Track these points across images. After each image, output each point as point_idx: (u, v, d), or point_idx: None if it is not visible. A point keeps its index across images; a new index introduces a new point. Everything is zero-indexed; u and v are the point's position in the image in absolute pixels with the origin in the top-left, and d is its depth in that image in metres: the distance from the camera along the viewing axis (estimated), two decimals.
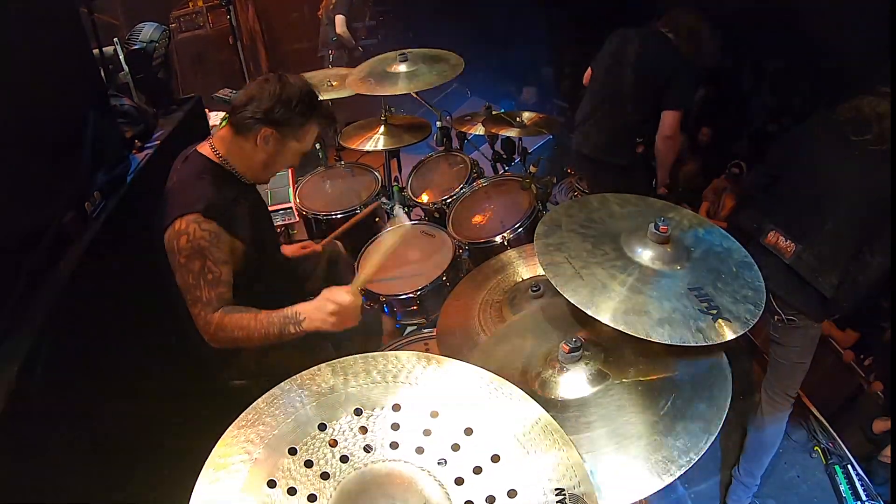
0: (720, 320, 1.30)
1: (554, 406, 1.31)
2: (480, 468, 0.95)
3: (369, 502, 0.92)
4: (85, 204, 1.92)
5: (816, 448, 3.01)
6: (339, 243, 2.71)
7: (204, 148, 1.93)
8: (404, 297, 2.59)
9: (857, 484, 2.80)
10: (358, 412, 1.02)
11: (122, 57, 2.82)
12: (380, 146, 3.25)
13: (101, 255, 1.86)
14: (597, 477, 1.14)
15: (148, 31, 2.94)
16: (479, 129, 3.48)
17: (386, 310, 2.65)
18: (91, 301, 1.79)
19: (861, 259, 2.13)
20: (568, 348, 1.32)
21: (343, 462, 0.95)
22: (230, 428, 0.96)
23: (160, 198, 1.89)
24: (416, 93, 3.53)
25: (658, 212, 1.58)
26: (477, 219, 2.90)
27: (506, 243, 2.62)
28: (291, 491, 0.90)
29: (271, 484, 0.90)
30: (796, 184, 2.30)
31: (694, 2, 3.14)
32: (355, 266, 2.74)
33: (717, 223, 5.15)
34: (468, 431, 0.99)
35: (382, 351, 2.07)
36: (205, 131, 3.12)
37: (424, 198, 3.19)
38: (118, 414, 1.82)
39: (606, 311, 1.30)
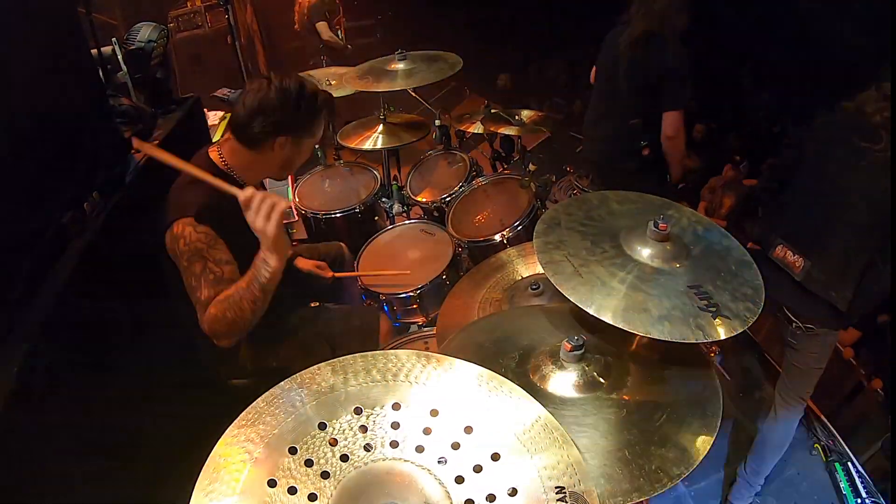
0: (719, 317, 1.30)
1: (551, 400, 1.32)
2: (481, 466, 0.95)
3: (369, 501, 0.92)
4: (84, 204, 1.92)
5: (816, 445, 3.01)
6: (343, 245, 2.71)
7: (213, 152, 1.93)
8: (404, 295, 2.60)
9: (857, 481, 2.80)
10: (358, 411, 1.02)
11: (120, 57, 2.82)
12: (379, 145, 3.25)
13: (100, 255, 1.86)
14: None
15: (146, 30, 2.93)
16: (478, 128, 3.47)
17: (386, 309, 2.65)
18: (90, 301, 1.79)
19: (874, 269, 2.07)
20: (570, 346, 1.32)
21: (343, 461, 0.95)
22: (230, 427, 0.96)
23: (164, 197, 1.89)
24: (415, 92, 3.54)
25: (657, 209, 1.58)
26: (476, 217, 2.90)
27: (505, 242, 2.62)
28: (292, 490, 0.90)
29: (272, 483, 0.90)
30: (803, 193, 2.23)
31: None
32: (356, 265, 2.75)
33: (716, 222, 5.16)
34: (468, 430, 0.99)
35: (381, 350, 2.08)
36: (203, 131, 3.11)
37: (423, 197, 3.19)
38: (118, 414, 1.82)
39: (606, 309, 1.30)
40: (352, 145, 3.28)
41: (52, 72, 1.85)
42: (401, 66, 3.08)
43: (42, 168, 1.75)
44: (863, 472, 2.86)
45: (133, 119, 2.50)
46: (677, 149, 3.09)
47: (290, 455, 0.94)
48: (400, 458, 0.97)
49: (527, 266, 2.17)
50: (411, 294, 2.58)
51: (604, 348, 1.43)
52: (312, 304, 2.51)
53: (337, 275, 2.45)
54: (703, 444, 1.23)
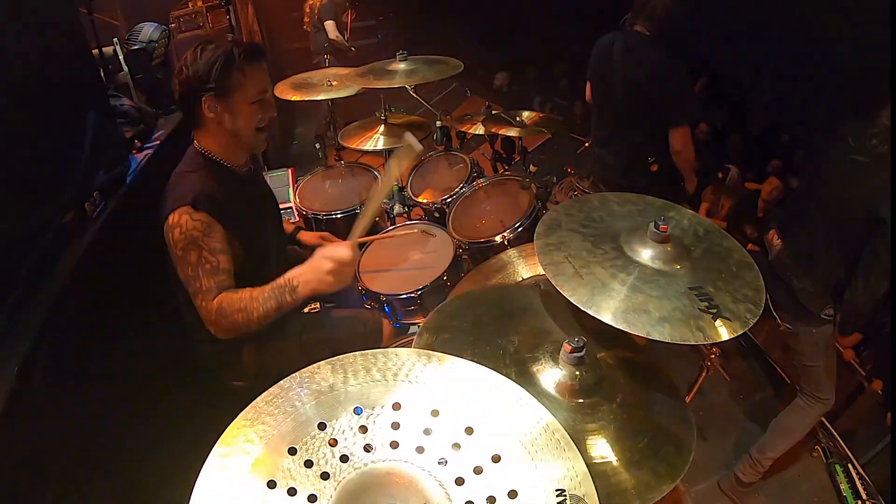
0: (720, 319, 1.30)
1: (545, 397, 1.32)
2: (481, 468, 0.95)
3: (370, 502, 0.92)
4: (85, 204, 1.92)
5: (817, 447, 3.01)
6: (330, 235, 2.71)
7: (194, 144, 1.95)
8: (404, 296, 2.59)
9: (858, 483, 2.80)
10: (358, 411, 1.02)
11: (121, 57, 2.82)
12: (380, 146, 3.25)
13: (101, 255, 1.86)
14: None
15: (147, 31, 2.94)
16: (479, 129, 3.47)
17: (386, 309, 2.65)
18: (91, 301, 1.79)
19: (838, 268, 2.12)
20: (570, 348, 1.32)
21: (343, 462, 0.95)
22: (230, 427, 0.96)
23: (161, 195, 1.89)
24: (416, 93, 3.54)
25: (658, 211, 1.58)
26: (477, 218, 2.89)
27: (506, 243, 2.61)
28: (292, 491, 0.90)
29: (271, 484, 0.90)
30: (800, 182, 2.32)
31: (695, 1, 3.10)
32: (356, 266, 2.74)
33: (717, 223, 5.17)
34: (469, 431, 0.99)
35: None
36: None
37: (424, 198, 3.18)
38: (118, 414, 1.82)
39: (607, 310, 1.30)
40: (353, 146, 3.27)
41: (54, 72, 1.85)
42: (401, 66, 3.09)
43: (43, 168, 1.75)
44: (863, 473, 2.86)
45: (134, 119, 2.50)
46: (687, 161, 3.04)
47: (289, 455, 0.94)
48: (400, 459, 0.96)
49: (527, 267, 2.17)
50: (412, 295, 2.58)
51: (602, 359, 1.44)
52: (313, 307, 2.50)
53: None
54: (668, 480, 1.24)
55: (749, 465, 2.70)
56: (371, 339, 2.21)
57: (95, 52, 2.50)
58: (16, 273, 1.55)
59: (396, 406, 1.03)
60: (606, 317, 1.28)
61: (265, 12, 6.87)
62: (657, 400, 1.42)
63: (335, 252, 1.74)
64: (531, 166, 3.01)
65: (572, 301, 1.33)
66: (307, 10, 5.83)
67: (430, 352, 1.13)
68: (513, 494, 0.91)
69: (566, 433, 1.01)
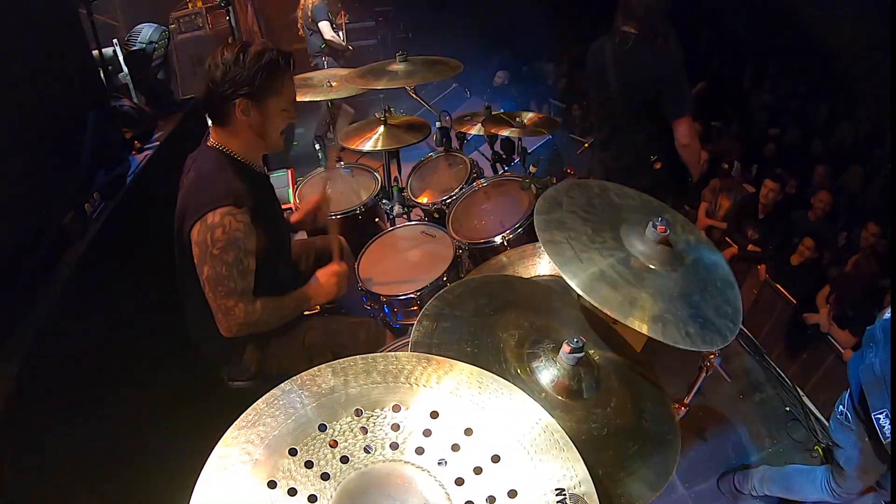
0: (706, 329, 1.31)
1: (541, 396, 1.32)
2: (481, 468, 0.95)
3: (370, 503, 0.92)
4: (85, 205, 1.92)
5: (817, 447, 3.00)
6: (341, 238, 2.71)
7: (209, 143, 1.92)
8: (404, 297, 2.59)
9: None
10: (358, 413, 1.02)
11: (121, 58, 2.82)
12: (379, 147, 3.25)
13: (100, 255, 1.86)
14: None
15: (147, 32, 2.94)
16: (479, 130, 3.47)
17: (386, 310, 2.65)
18: (91, 301, 1.79)
19: None
20: (570, 348, 1.32)
21: (343, 462, 0.95)
22: (231, 429, 0.96)
23: (171, 197, 1.89)
24: (416, 93, 3.54)
25: (654, 211, 1.58)
26: (477, 219, 2.89)
27: (505, 243, 2.62)
28: (292, 492, 0.90)
29: (272, 485, 0.90)
30: None
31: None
32: (356, 267, 2.74)
33: (715, 223, 5.15)
34: (468, 432, 0.99)
35: (384, 351, 2.08)
36: (204, 133, 3.12)
37: (424, 198, 3.19)
38: (118, 415, 1.82)
39: (605, 300, 1.30)
40: (352, 147, 3.28)
41: (54, 73, 1.85)
42: (401, 67, 3.09)
43: (43, 169, 1.75)
44: None
45: (134, 120, 2.50)
46: (694, 154, 3.02)
47: (290, 456, 0.94)
48: (400, 460, 0.97)
49: (527, 268, 2.17)
50: (412, 295, 2.58)
51: (600, 363, 1.44)
52: (315, 310, 2.51)
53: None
54: (652, 489, 1.24)
55: (748, 487, 2.68)
56: (373, 346, 2.22)
57: (95, 53, 2.50)
58: (17, 273, 1.56)
59: (396, 408, 1.03)
60: (605, 306, 1.28)
61: (265, 13, 6.88)
62: (647, 408, 1.42)
63: (331, 269, 2.10)
64: (531, 167, 3.01)
65: (571, 284, 1.32)
66: (300, 13, 5.82)
67: (430, 355, 1.13)
68: (512, 494, 0.92)
69: (564, 433, 1.01)
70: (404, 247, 2.92)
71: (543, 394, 1.32)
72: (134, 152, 2.44)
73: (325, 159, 3.46)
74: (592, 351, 1.47)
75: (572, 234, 1.43)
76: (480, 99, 6.52)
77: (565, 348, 1.32)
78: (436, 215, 3.08)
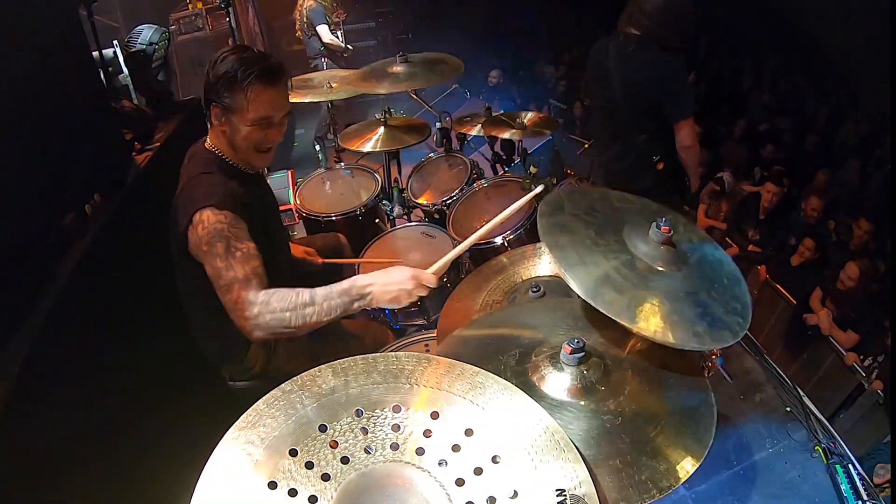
0: (715, 328, 1.30)
1: (549, 402, 1.31)
2: (481, 469, 0.95)
3: (370, 503, 0.92)
4: (85, 206, 1.92)
5: (817, 448, 3.00)
6: (341, 235, 2.71)
7: (205, 143, 1.92)
8: None
9: (859, 483, 2.79)
10: (359, 413, 1.02)
11: (121, 59, 2.83)
12: (379, 148, 3.25)
13: (101, 256, 1.86)
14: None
15: (147, 33, 2.94)
16: (479, 131, 3.47)
17: (387, 311, 2.65)
18: (91, 302, 1.79)
19: None
20: (570, 349, 1.31)
21: (344, 463, 0.95)
22: (231, 429, 0.96)
23: (172, 198, 1.87)
24: (416, 94, 3.55)
25: (655, 213, 1.58)
26: (477, 220, 2.89)
27: (506, 244, 2.61)
28: (293, 492, 0.90)
29: (272, 485, 0.90)
30: None
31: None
32: (357, 268, 2.74)
33: (716, 223, 5.15)
34: (469, 432, 0.99)
35: (383, 352, 2.08)
36: (204, 134, 3.12)
37: (424, 199, 3.19)
38: (119, 415, 1.82)
39: (610, 304, 1.29)
40: (352, 147, 3.28)
41: (54, 74, 1.85)
42: (402, 68, 3.09)
43: (43, 170, 1.76)
44: (864, 474, 2.85)
45: (134, 121, 2.51)
46: (695, 157, 3.04)
47: (290, 457, 0.94)
48: (400, 461, 0.97)
49: (527, 268, 2.16)
50: None
51: (604, 352, 1.43)
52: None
53: (327, 261, 2.44)
54: (692, 462, 1.23)
55: None
56: (379, 349, 2.21)
57: (95, 54, 2.50)
58: (17, 274, 1.56)
59: (396, 408, 1.03)
60: (611, 312, 1.28)
61: (265, 14, 6.88)
62: (673, 384, 1.39)
63: (423, 274, 1.64)
64: (531, 167, 3.01)
65: (576, 289, 1.32)
66: (297, 16, 5.82)
67: (430, 355, 1.13)
68: (514, 495, 0.92)
69: (564, 433, 1.01)
70: (404, 248, 2.92)
71: (553, 401, 1.32)
72: (134, 153, 2.44)
73: (325, 160, 3.46)
74: (593, 341, 1.46)
75: (576, 238, 1.43)
76: (479, 99, 6.53)
77: (565, 349, 1.32)
78: (436, 216, 3.08)
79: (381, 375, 1.07)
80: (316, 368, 1.08)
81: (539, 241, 1.86)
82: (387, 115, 3.30)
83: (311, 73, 3.60)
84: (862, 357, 3.86)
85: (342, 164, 3.47)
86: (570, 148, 6.18)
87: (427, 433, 1.00)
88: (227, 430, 0.96)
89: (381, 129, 3.27)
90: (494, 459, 0.96)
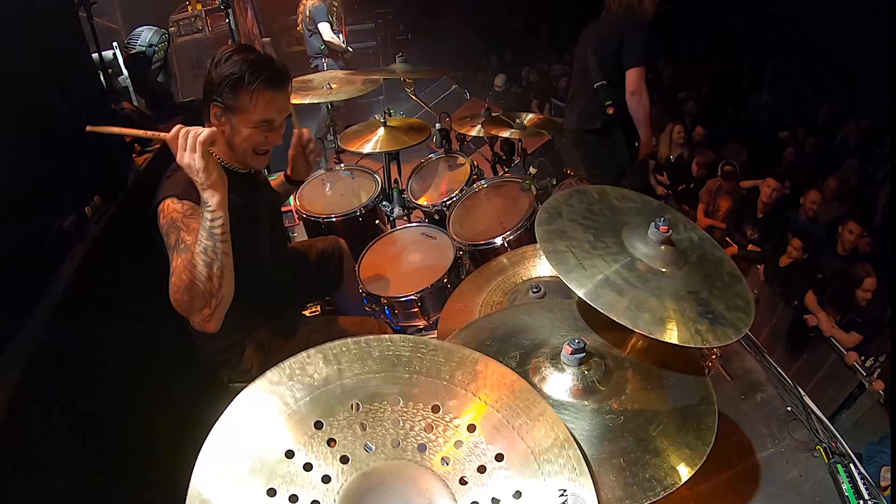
0: (717, 325, 1.30)
1: (551, 403, 1.31)
2: (484, 467, 0.95)
3: (374, 502, 0.91)
4: (85, 208, 1.92)
5: (818, 447, 3.00)
6: (339, 239, 2.70)
7: None
8: (405, 299, 2.59)
9: (860, 483, 2.79)
10: (395, 402, 0.99)
11: (121, 61, 2.83)
12: (379, 149, 3.25)
13: (101, 258, 1.86)
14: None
15: (147, 35, 2.94)
16: (479, 131, 3.48)
17: (387, 312, 2.65)
18: (91, 304, 1.79)
19: None
20: (571, 349, 1.31)
21: (343, 463, 0.94)
22: (213, 430, 0.95)
23: None
24: (416, 95, 3.54)
25: (655, 211, 1.58)
26: (477, 220, 2.89)
27: (506, 245, 2.61)
28: (293, 498, 0.89)
29: (271, 493, 0.89)
30: None
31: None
32: (357, 268, 2.74)
33: (715, 223, 5.14)
34: (471, 428, 0.98)
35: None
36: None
37: (424, 200, 3.19)
38: (119, 416, 1.82)
39: (611, 306, 1.29)
40: (353, 149, 3.28)
41: (54, 76, 1.85)
42: (401, 68, 3.11)
43: (43, 172, 1.75)
44: (865, 474, 2.85)
45: (134, 123, 2.50)
46: (641, 106, 3.42)
47: (287, 459, 0.93)
48: (402, 459, 0.96)
49: (527, 269, 2.17)
50: (412, 297, 2.58)
51: (605, 352, 1.43)
52: (314, 309, 2.51)
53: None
54: (694, 459, 1.23)
55: None
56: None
57: (95, 56, 2.50)
58: (17, 276, 1.56)
59: (436, 408, 1.00)
60: (611, 312, 1.28)
61: (264, 15, 6.89)
62: (673, 383, 1.40)
63: (197, 132, 1.51)
64: (531, 168, 3.01)
65: (577, 292, 1.32)
66: (300, 13, 5.84)
67: (427, 339, 1.11)
68: (517, 495, 0.91)
69: (566, 429, 1.01)
70: (405, 248, 2.92)
71: (555, 402, 1.32)
72: (134, 155, 2.44)
73: (325, 161, 3.46)
74: (593, 341, 1.46)
75: (574, 243, 1.43)
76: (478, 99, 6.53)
77: (566, 350, 1.32)
78: (436, 217, 3.08)
79: (376, 363, 1.03)
80: (304, 353, 1.03)
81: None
82: (387, 116, 3.31)
83: (311, 75, 3.60)
84: (863, 358, 3.85)
85: (342, 165, 3.47)
86: (570, 148, 6.18)
87: (428, 428, 0.98)
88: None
89: (381, 130, 3.27)
90: (497, 457, 0.96)
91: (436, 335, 2.23)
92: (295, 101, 3.30)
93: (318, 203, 3.23)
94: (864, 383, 3.73)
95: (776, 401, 3.23)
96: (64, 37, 1.98)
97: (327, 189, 3.34)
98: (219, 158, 1.88)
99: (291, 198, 3.28)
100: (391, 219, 3.27)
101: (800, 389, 3.17)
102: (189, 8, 5.95)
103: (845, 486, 2.79)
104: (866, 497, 2.72)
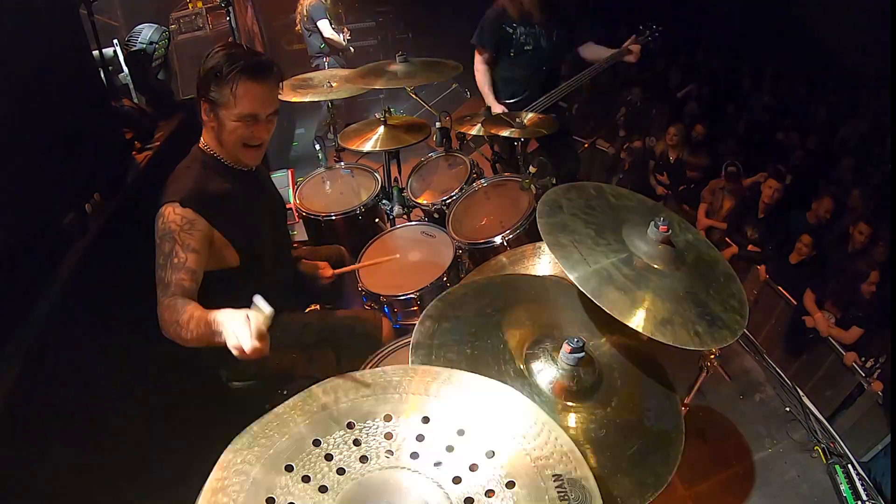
0: (714, 327, 1.30)
1: (540, 397, 1.32)
2: (477, 465, 0.95)
3: None
4: (85, 205, 1.92)
5: (816, 448, 3.00)
6: (342, 248, 2.70)
7: (201, 140, 1.94)
8: (404, 297, 2.59)
9: (858, 483, 2.80)
10: (350, 426, 1.02)
11: (121, 58, 2.83)
12: (379, 147, 3.25)
13: (101, 255, 1.86)
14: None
15: (147, 32, 2.94)
16: (479, 130, 3.47)
17: (386, 310, 2.65)
18: (91, 302, 1.79)
19: None
20: (570, 349, 1.31)
21: (340, 474, 0.95)
22: (226, 451, 0.97)
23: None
24: (416, 94, 3.54)
25: (650, 211, 1.58)
26: (477, 219, 2.90)
27: (505, 244, 2.61)
28: (306, 479, 0.91)
29: (270, 501, 0.90)
30: None
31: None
32: (357, 274, 2.74)
33: (715, 223, 5.15)
34: (460, 432, 1.00)
35: (382, 351, 2.08)
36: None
37: (424, 199, 3.19)
38: (118, 415, 1.82)
39: (613, 303, 1.29)
40: (352, 147, 3.28)
41: (54, 73, 1.85)
42: (401, 68, 3.10)
43: (43, 169, 1.76)
44: (863, 474, 2.85)
45: (134, 121, 2.51)
46: (479, 82, 3.65)
47: (286, 473, 0.94)
48: (395, 467, 0.97)
49: (527, 268, 2.17)
50: (412, 296, 2.58)
51: (603, 356, 1.44)
52: (313, 308, 2.50)
53: (336, 271, 2.44)
54: (652, 489, 1.23)
55: None
56: (371, 339, 2.20)
57: (96, 53, 2.50)
58: (17, 273, 1.56)
59: (388, 417, 1.04)
60: (615, 311, 1.28)
61: (265, 13, 6.87)
62: (653, 405, 1.41)
63: (257, 317, 1.44)
64: (531, 167, 3.01)
65: (582, 288, 1.32)
66: (298, 13, 5.82)
67: (415, 366, 1.14)
68: (510, 485, 0.92)
69: (557, 424, 1.01)
70: (404, 247, 2.92)
71: (542, 397, 1.32)
72: (134, 153, 2.44)
73: (325, 160, 3.46)
74: (599, 340, 1.46)
75: (577, 238, 1.43)
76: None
77: (565, 348, 1.32)
78: (436, 216, 3.08)
79: (370, 388, 1.09)
80: (307, 390, 1.08)
81: (538, 240, 1.86)
82: (387, 115, 3.30)
83: (312, 73, 3.59)
84: (864, 358, 3.86)
85: (342, 163, 3.47)
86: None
87: (419, 437, 1.01)
88: (227, 430, 0.97)
89: (381, 129, 3.27)
90: (489, 454, 0.97)
91: None
92: (295, 99, 3.30)
93: (317, 201, 3.23)
94: (862, 384, 3.73)
95: (775, 401, 3.24)
96: (64, 34, 1.98)
97: (327, 187, 3.35)
98: (216, 155, 1.89)
99: (291, 196, 3.28)
100: (391, 217, 3.27)
101: (798, 390, 3.18)
102: (190, 5, 5.93)
103: (843, 487, 2.80)
104: (864, 497, 2.72)
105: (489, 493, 0.92)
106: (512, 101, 3.65)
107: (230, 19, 4.11)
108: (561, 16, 3.61)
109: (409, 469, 0.97)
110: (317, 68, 5.58)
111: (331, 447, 0.99)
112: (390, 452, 0.99)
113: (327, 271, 2.40)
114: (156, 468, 1.89)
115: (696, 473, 2.83)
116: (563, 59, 3.91)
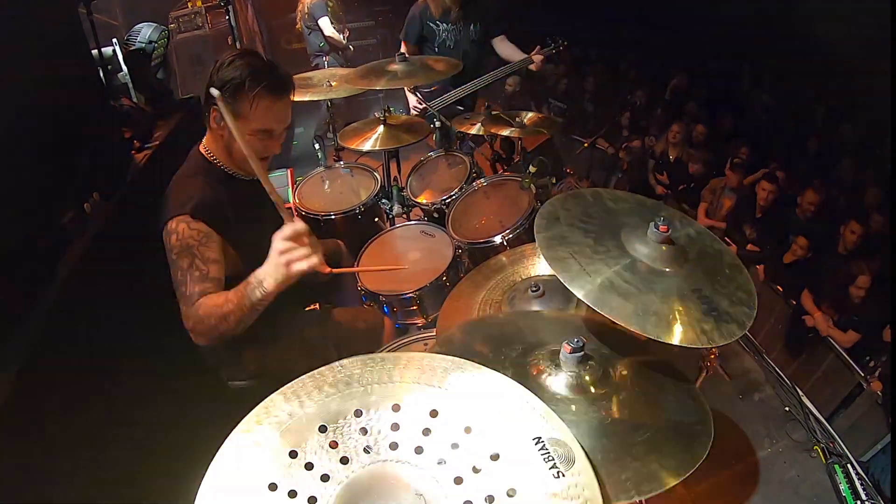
0: (722, 322, 1.30)
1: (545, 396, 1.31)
2: (479, 468, 0.95)
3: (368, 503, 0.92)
4: (84, 204, 1.92)
5: (816, 448, 3.01)
6: (340, 242, 2.70)
7: (201, 145, 1.92)
8: (404, 297, 2.59)
9: (857, 483, 2.80)
10: (358, 413, 1.01)
11: (120, 57, 2.82)
12: (379, 147, 3.25)
13: (100, 255, 1.86)
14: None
15: (147, 31, 2.94)
16: (479, 129, 3.47)
17: (386, 310, 2.65)
18: (91, 301, 1.79)
19: None
20: (570, 348, 1.31)
21: (343, 463, 0.95)
22: (230, 436, 0.96)
23: (161, 196, 1.88)
24: (416, 93, 3.54)
25: (650, 210, 1.58)
26: (476, 219, 2.89)
27: (505, 243, 2.61)
28: (292, 494, 0.90)
29: (272, 487, 0.90)
30: None
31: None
32: (356, 266, 2.74)
33: (715, 223, 5.16)
34: (467, 430, 0.99)
35: (382, 351, 2.08)
36: (203, 133, 3.12)
37: (423, 198, 3.19)
38: (118, 415, 1.82)
39: (617, 311, 1.28)
40: (352, 146, 3.27)
41: (53, 72, 1.85)
42: (400, 67, 3.10)
43: (42, 169, 1.75)
44: (862, 473, 2.86)
45: (133, 120, 2.50)
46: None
47: (291, 458, 0.94)
48: (399, 460, 0.97)
49: (526, 268, 2.16)
50: (411, 295, 2.58)
51: (604, 360, 1.43)
52: (314, 307, 2.50)
53: (334, 271, 2.44)
54: (674, 476, 1.21)
55: None
56: (372, 337, 2.20)
57: (95, 52, 2.50)
58: (16, 273, 1.56)
59: (396, 407, 1.02)
60: (620, 318, 1.27)
61: (265, 13, 6.87)
62: (670, 400, 1.39)
63: (279, 234, 1.61)
64: (530, 167, 3.01)
65: (584, 300, 1.31)
66: (299, 11, 5.82)
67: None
68: (511, 492, 0.92)
69: (563, 423, 1.01)
70: (404, 247, 2.92)
71: (547, 395, 1.32)
72: (133, 152, 2.44)
73: (324, 159, 3.45)
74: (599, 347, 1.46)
75: (575, 249, 1.42)
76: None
77: (565, 349, 1.32)
78: (435, 215, 3.08)
79: (332, 387, 1.06)
80: (268, 398, 1.03)
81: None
82: (386, 114, 3.30)
83: (311, 72, 3.59)
84: (867, 358, 3.86)
85: (341, 162, 3.47)
86: (569, 147, 6.18)
87: (426, 432, 0.99)
88: (226, 430, 0.96)
89: (381, 128, 3.26)
90: (493, 457, 0.96)
91: (435, 333, 2.23)
92: (294, 98, 3.29)
93: (317, 201, 3.23)
94: (862, 384, 3.74)
95: (774, 401, 3.25)
96: (63, 33, 1.97)
97: (326, 186, 3.34)
98: (219, 163, 1.89)
99: (291, 195, 3.28)
100: (390, 216, 3.27)
101: (798, 390, 3.18)
102: (189, 4, 5.93)
103: (842, 487, 2.80)
104: (863, 497, 2.73)
105: (489, 498, 0.92)
106: (427, 90, 3.90)
107: (229, 18, 4.10)
108: (481, 14, 3.89)
109: (411, 464, 0.96)
110: (316, 67, 5.57)
111: (336, 434, 0.98)
112: (395, 445, 0.98)
113: (324, 268, 2.39)
114: (155, 468, 1.89)
115: (696, 473, 2.83)
116: (483, 55, 4.16)
